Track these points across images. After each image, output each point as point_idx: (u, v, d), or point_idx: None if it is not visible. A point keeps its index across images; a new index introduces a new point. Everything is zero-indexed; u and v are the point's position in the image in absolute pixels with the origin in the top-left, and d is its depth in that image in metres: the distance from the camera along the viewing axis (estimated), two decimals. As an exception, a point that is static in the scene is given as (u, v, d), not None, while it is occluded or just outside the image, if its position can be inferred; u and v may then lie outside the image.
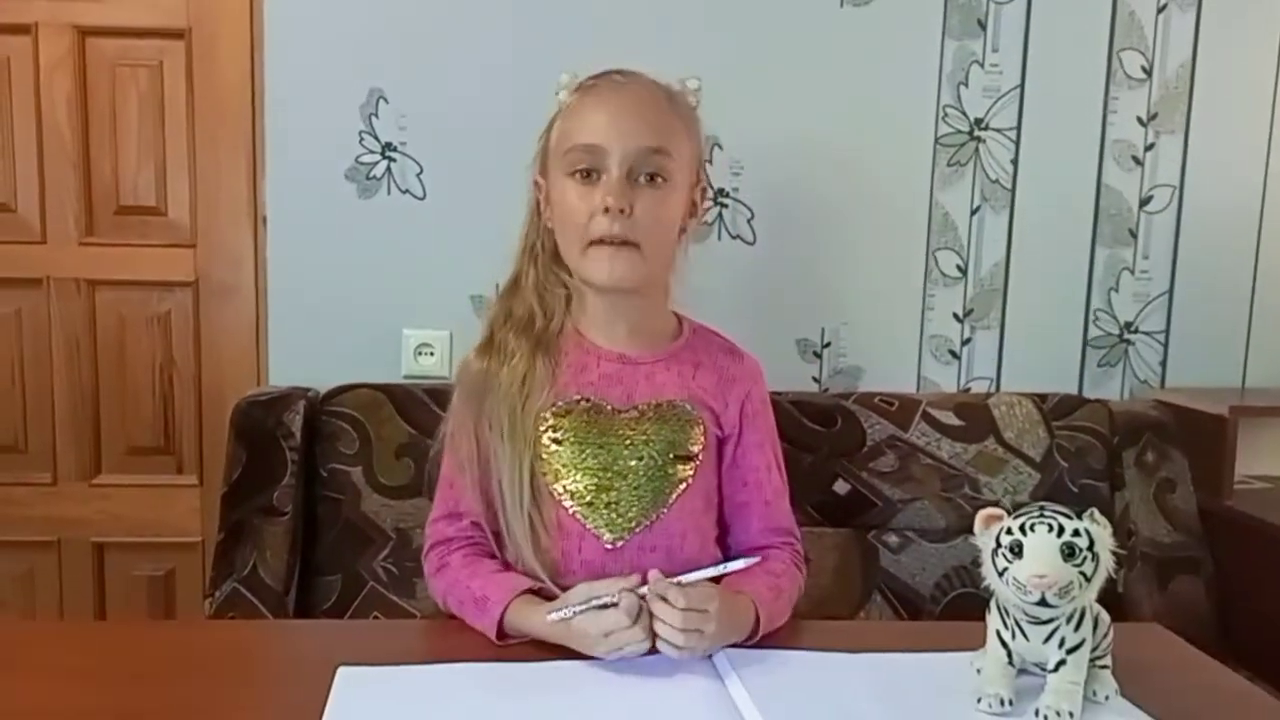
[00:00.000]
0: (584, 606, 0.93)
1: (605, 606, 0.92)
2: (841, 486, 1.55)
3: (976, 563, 0.86)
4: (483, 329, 1.15)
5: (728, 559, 1.14)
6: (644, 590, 0.94)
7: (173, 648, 1.00)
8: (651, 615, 0.94)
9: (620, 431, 1.09)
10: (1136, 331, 1.77)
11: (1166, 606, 1.51)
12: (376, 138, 1.64)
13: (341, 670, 0.89)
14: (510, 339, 1.11)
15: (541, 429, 1.09)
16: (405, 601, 1.45)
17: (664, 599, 0.93)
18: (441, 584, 1.10)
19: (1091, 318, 1.76)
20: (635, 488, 1.08)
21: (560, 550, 1.07)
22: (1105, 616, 0.88)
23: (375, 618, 1.43)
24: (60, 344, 1.74)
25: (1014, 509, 0.85)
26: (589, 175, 1.06)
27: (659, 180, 1.07)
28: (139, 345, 1.75)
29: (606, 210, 1.04)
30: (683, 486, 1.10)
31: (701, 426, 1.12)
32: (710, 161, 1.65)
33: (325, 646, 0.98)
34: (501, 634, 1.00)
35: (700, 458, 1.12)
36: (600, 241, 1.06)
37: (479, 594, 1.02)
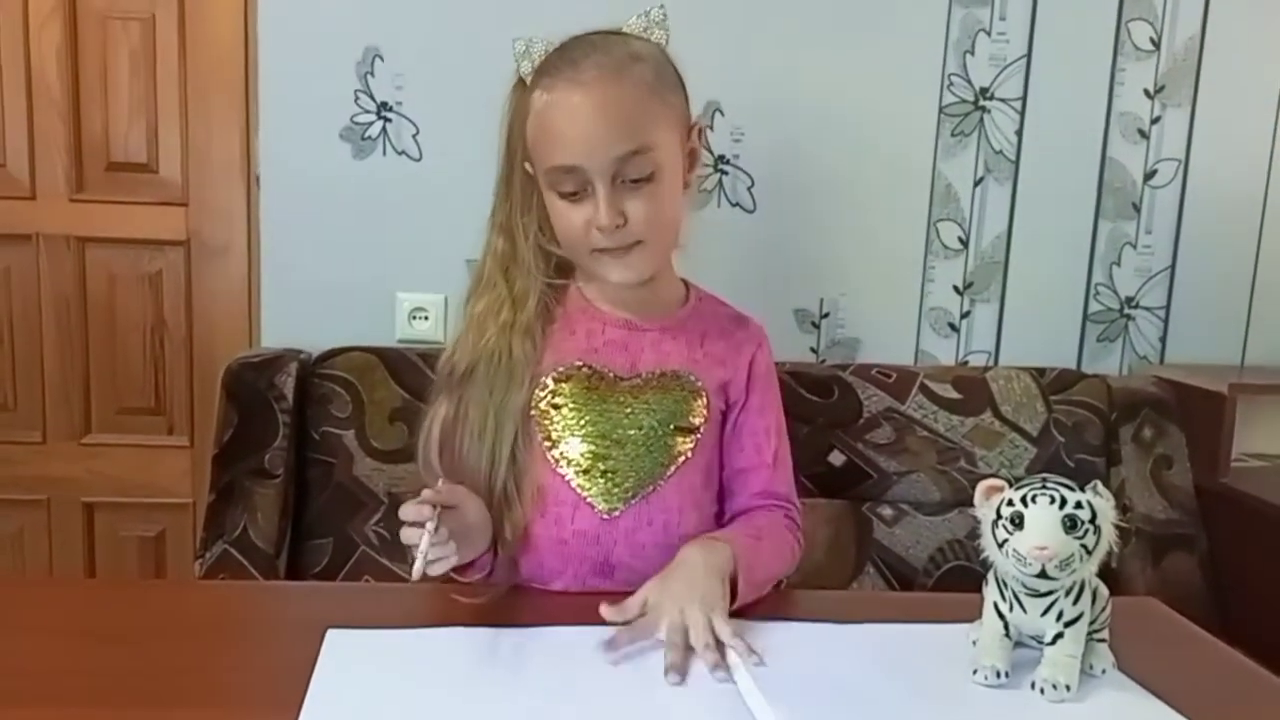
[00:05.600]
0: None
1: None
2: (837, 458, 1.54)
3: (971, 536, 0.85)
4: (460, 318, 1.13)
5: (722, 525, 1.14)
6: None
7: (162, 607, 0.99)
8: None
9: (621, 399, 1.08)
10: (1137, 307, 1.76)
11: (1160, 583, 1.51)
12: (372, 97, 1.61)
13: (330, 633, 0.89)
14: (478, 331, 1.08)
15: (541, 393, 1.07)
16: (397, 566, 1.44)
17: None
18: None
19: (1092, 292, 1.75)
20: (633, 458, 1.07)
21: (554, 518, 1.06)
22: (1104, 590, 0.87)
23: (366, 582, 1.43)
24: (50, 302, 1.72)
25: (1013, 483, 0.84)
26: (575, 192, 1.03)
27: (648, 175, 1.02)
28: (129, 304, 1.73)
29: (601, 228, 1.02)
30: (682, 459, 1.08)
31: (704, 399, 1.10)
32: (711, 128, 1.63)
33: (315, 609, 0.97)
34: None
35: (702, 431, 1.10)
36: (604, 250, 1.04)
37: None
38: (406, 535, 0.89)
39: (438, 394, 1.10)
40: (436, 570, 0.90)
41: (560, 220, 1.06)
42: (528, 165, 1.09)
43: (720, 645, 0.87)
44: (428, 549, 0.86)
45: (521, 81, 1.08)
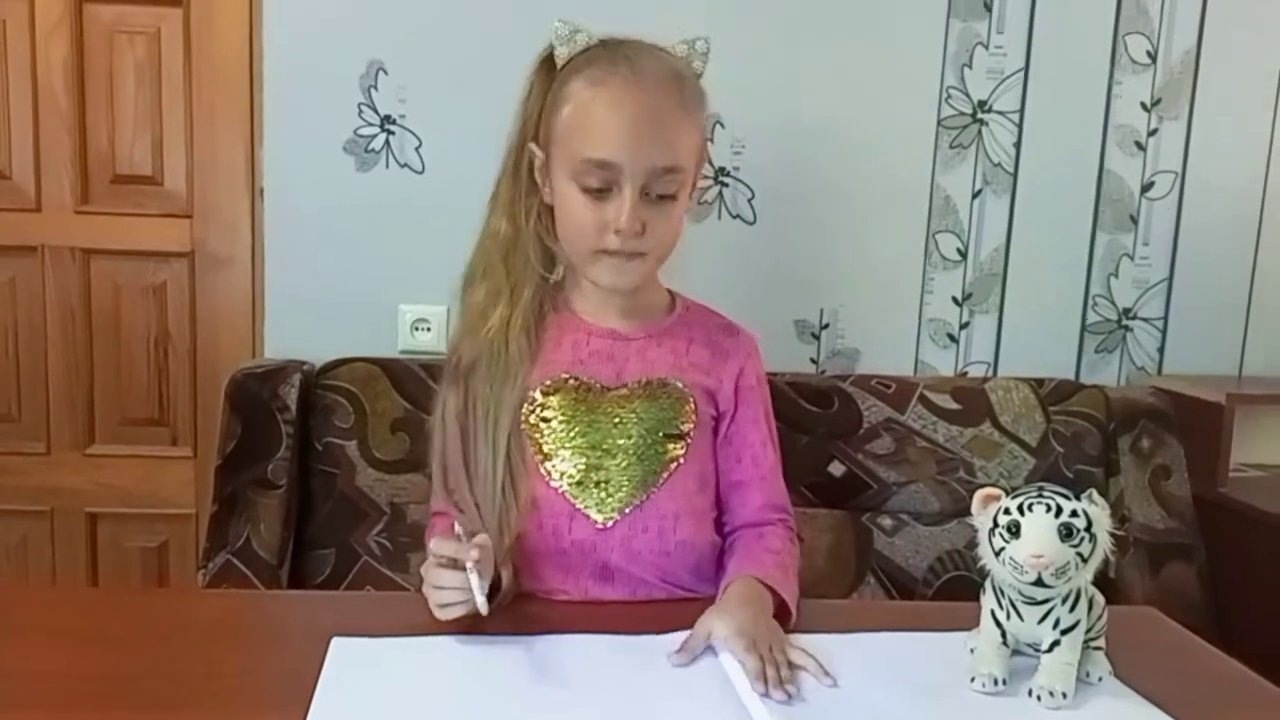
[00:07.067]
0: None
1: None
2: (836, 468, 1.55)
3: (971, 546, 0.86)
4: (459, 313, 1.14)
5: (724, 540, 1.15)
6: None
7: (166, 615, 1.00)
8: None
9: (609, 410, 1.08)
10: (1135, 318, 1.77)
11: (1158, 593, 1.51)
12: (375, 110, 1.63)
13: (335, 640, 0.89)
14: (479, 321, 1.09)
15: (529, 407, 1.08)
16: (399, 576, 1.44)
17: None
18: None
19: (1090, 303, 1.76)
20: (625, 467, 1.07)
21: (551, 529, 1.06)
22: (1100, 598, 0.88)
23: (368, 592, 1.43)
24: (55, 313, 1.73)
25: (1010, 492, 0.84)
26: (600, 189, 1.03)
27: (672, 193, 1.04)
28: (134, 315, 1.74)
29: (618, 231, 1.02)
30: (674, 466, 1.09)
31: (692, 405, 1.10)
32: (711, 140, 1.64)
33: (319, 617, 0.98)
34: None
35: (692, 436, 1.10)
36: (610, 252, 1.04)
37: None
38: (445, 578, 0.92)
39: (445, 389, 1.11)
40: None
41: (572, 215, 1.05)
42: (533, 145, 1.09)
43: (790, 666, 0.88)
44: (479, 585, 0.89)
45: (550, 62, 1.08)
